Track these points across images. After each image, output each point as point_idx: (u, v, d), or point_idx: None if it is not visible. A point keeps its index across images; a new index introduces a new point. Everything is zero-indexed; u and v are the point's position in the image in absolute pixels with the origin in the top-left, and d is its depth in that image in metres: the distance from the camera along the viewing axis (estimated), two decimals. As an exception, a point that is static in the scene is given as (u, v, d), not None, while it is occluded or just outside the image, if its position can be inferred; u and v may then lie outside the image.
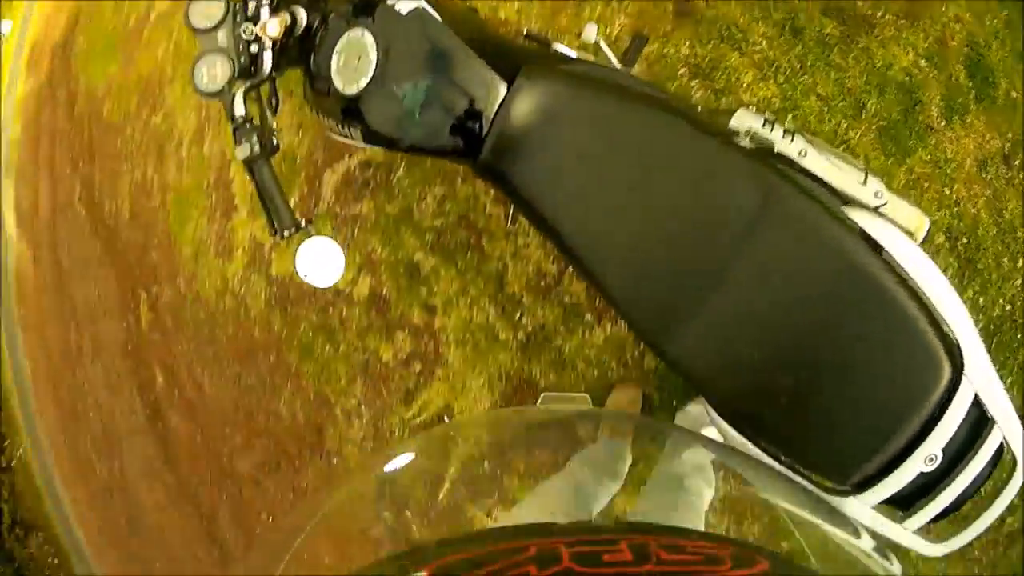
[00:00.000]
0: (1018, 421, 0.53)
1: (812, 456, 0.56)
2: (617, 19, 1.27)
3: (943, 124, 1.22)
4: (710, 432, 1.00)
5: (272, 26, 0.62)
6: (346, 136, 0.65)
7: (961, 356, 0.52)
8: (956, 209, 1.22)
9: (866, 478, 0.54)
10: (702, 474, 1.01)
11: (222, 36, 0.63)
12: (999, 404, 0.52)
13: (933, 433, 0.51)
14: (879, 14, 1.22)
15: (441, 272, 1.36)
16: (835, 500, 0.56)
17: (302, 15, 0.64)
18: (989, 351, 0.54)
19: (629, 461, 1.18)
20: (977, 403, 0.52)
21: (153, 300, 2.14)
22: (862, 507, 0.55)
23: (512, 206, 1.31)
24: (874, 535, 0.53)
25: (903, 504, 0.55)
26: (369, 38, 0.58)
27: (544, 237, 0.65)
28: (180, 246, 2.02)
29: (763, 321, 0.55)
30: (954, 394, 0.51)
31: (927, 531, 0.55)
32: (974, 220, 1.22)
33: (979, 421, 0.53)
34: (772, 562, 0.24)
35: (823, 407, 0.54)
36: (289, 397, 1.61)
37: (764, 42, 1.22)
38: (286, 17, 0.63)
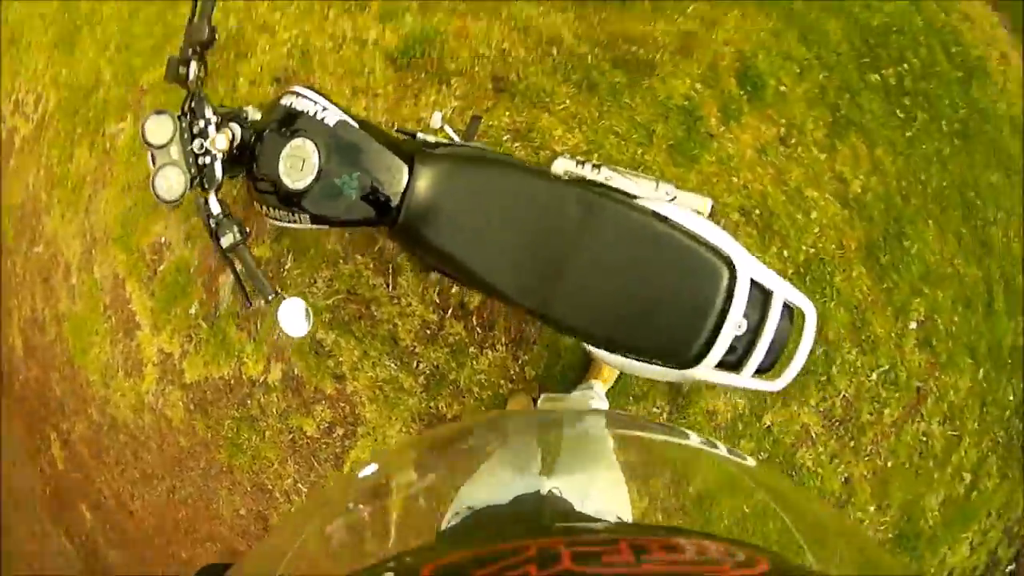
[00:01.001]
0: (787, 284, 0.84)
1: (659, 350, 0.85)
2: (449, 102, 1.54)
3: (722, 129, 1.55)
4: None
5: (220, 140, 0.76)
6: (293, 221, 0.82)
7: (732, 260, 0.83)
8: (745, 191, 1.53)
9: (698, 352, 0.83)
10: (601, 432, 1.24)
11: (175, 151, 0.75)
12: (769, 279, 0.84)
13: (732, 308, 0.81)
14: (658, 56, 1.53)
15: (342, 343, 1.52)
16: (687, 372, 0.85)
17: (239, 131, 0.79)
18: (805, 287, 0.88)
19: (539, 456, 1.39)
20: (756, 283, 0.83)
21: (65, 436, 2.07)
22: (706, 370, 0.84)
23: (393, 275, 1.52)
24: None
25: (735, 367, 0.84)
26: (310, 145, 0.77)
27: (448, 270, 0.90)
28: (86, 374, 2.00)
29: (606, 278, 0.84)
30: (735, 281, 0.82)
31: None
32: (762, 195, 1.54)
33: (763, 293, 0.84)
34: (772, 562, 0.25)
35: (659, 318, 0.84)
36: (227, 495, 1.66)
37: (567, 100, 1.52)
38: (229, 133, 0.77)
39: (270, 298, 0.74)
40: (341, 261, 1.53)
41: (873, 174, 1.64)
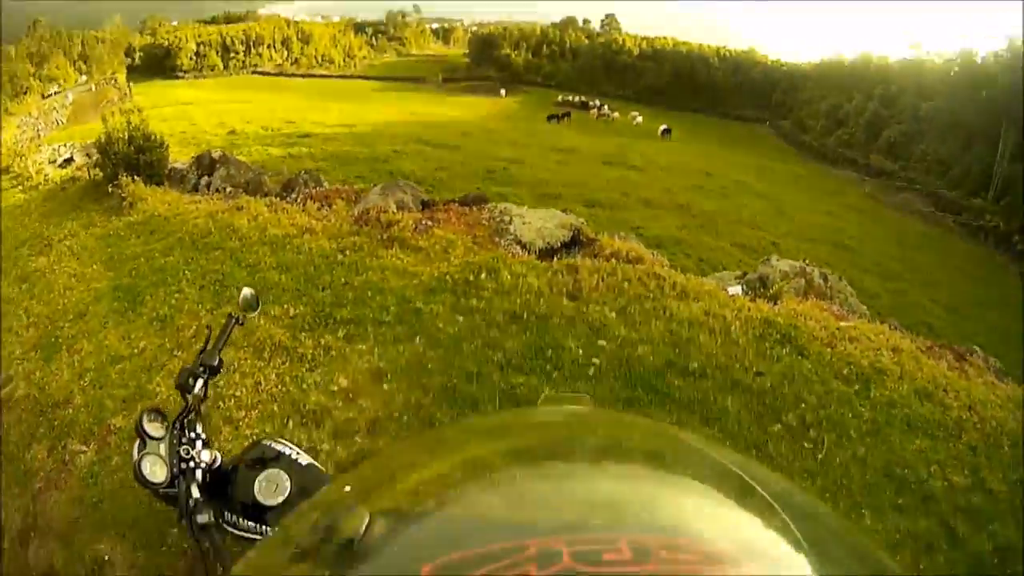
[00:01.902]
0: None
1: None
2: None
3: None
4: None
5: (205, 454, 0.89)
6: (261, 534, 0.91)
7: None
8: None
9: None
10: None
11: (163, 448, 0.88)
12: None
13: None
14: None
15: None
16: None
17: (219, 457, 0.92)
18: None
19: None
20: None
21: None
22: None
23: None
24: None
25: None
26: (284, 475, 0.92)
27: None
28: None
29: None
30: None
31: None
32: None
33: None
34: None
35: None
36: None
37: None
38: (214, 452, 0.92)
39: (228, 561, 0.79)
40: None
41: (794, 503, 2.17)
